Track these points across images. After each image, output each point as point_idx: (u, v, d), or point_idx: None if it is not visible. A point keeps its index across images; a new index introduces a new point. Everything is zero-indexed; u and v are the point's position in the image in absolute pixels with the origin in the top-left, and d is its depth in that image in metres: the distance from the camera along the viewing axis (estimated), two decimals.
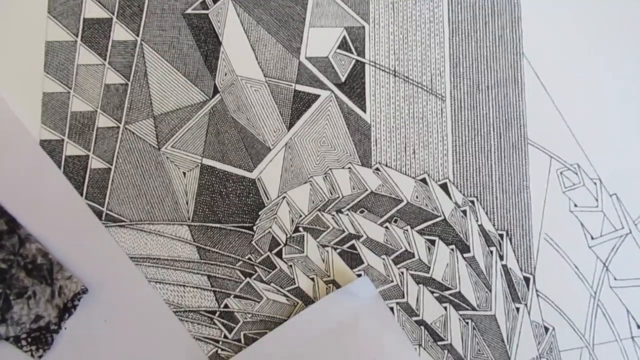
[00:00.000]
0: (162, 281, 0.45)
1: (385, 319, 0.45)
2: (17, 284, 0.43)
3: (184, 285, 0.45)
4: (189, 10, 0.46)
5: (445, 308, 0.45)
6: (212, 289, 0.45)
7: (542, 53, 0.47)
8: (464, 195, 0.46)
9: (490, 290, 0.45)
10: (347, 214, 0.46)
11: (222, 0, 0.47)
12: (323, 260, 0.46)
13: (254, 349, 0.44)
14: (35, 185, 0.45)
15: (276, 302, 0.45)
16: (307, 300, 0.45)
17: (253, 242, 0.45)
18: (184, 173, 0.46)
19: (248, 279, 0.45)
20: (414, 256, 0.46)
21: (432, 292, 0.45)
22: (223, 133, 0.46)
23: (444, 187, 0.46)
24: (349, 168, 0.46)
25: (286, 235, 0.46)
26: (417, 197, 0.46)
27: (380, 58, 0.47)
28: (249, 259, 0.45)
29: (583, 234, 0.46)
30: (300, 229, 0.46)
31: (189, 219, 0.45)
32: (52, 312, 0.43)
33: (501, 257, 0.46)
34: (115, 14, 0.46)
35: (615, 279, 0.46)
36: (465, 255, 0.46)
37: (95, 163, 0.45)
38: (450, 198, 0.46)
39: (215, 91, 0.46)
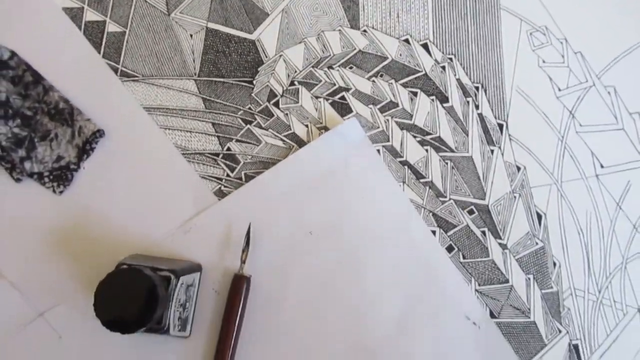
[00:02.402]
0: (172, 128, 0.50)
1: (373, 159, 0.49)
2: (41, 128, 0.48)
3: (190, 131, 0.50)
4: None
5: (427, 150, 0.50)
6: (216, 134, 0.50)
7: None
8: (443, 53, 0.51)
9: (467, 135, 0.50)
10: (338, 70, 0.51)
11: None
12: (316, 109, 0.50)
13: (253, 185, 0.48)
14: (60, 47, 0.50)
15: (274, 145, 0.50)
16: (302, 144, 0.50)
17: (253, 94, 0.50)
18: (191, 35, 0.51)
19: (248, 125, 0.50)
20: (398, 105, 0.51)
21: (415, 137, 0.50)
22: (226, 0, 0.51)
23: (424, 46, 0.51)
24: (339, 30, 0.51)
25: (283, 88, 0.51)
26: (400, 55, 0.51)
27: None
28: (249, 108, 0.50)
29: (551, 86, 0.51)
30: (295, 82, 0.51)
31: (195, 74, 0.50)
32: (72, 152, 0.48)
33: (477, 107, 0.51)
34: None
35: (580, 125, 0.50)
36: (445, 104, 0.51)
37: (112, 27, 0.51)
38: (431, 55, 0.51)
39: None
